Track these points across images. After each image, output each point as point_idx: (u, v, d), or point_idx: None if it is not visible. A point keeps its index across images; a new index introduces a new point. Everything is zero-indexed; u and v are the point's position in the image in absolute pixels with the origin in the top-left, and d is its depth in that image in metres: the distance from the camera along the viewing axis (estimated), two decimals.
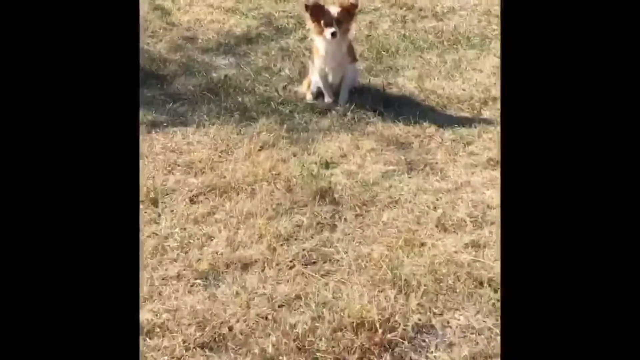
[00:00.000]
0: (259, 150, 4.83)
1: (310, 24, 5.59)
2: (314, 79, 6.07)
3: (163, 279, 3.45)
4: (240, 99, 5.70)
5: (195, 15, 7.47)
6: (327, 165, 4.65)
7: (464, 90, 5.78)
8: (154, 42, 6.87)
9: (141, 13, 6.25)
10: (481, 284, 3.32)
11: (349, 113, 5.45)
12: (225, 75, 6.16)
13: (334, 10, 5.68)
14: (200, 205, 4.12)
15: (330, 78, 5.98)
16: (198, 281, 3.44)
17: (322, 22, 5.37)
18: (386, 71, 6.41)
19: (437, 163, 4.66)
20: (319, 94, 6.07)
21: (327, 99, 6.04)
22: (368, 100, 5.84)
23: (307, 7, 5.75)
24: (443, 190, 4.25)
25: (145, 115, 5.19)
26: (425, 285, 3.28)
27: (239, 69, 6.27)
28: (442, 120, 5.24)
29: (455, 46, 6.64)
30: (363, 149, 4.88)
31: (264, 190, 4.27)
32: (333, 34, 5.56)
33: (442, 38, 6.87)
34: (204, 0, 7.77)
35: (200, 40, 6.91)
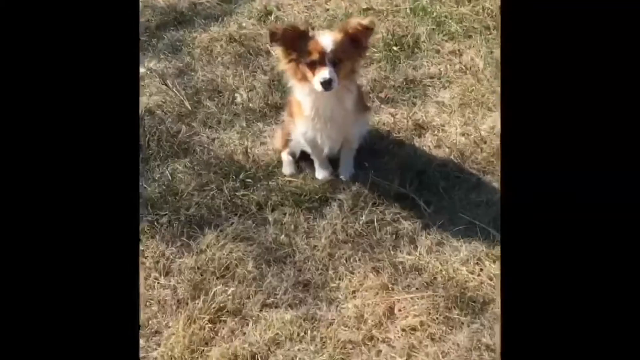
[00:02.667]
0: None
1: (283, 62, 3.42)
2: (294, 140, 3.63)
3: None
4: None
5: None
6: None
7: None
8: None
9: None
10: None
11: (361, 203, 3.60)
12: None
13: (328, 40, 3.26)
14: None
15: (325, 149, 3.48)
16: None
17: (306, 60, 3.27)
18: (407, 89, 4.39)
19: None
20: (303, 157, 3.87)
21: (321, 174, 3.53)
22: (391, 165, 3.83)
23: (274, 35, 3.32)
24: None
25: None
26: None
27: None
28: None
29: None
30: None
31: None
32: (326, 83, 3.23)
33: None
34: None
35: None
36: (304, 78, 3.34)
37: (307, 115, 3.50)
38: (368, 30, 3.29)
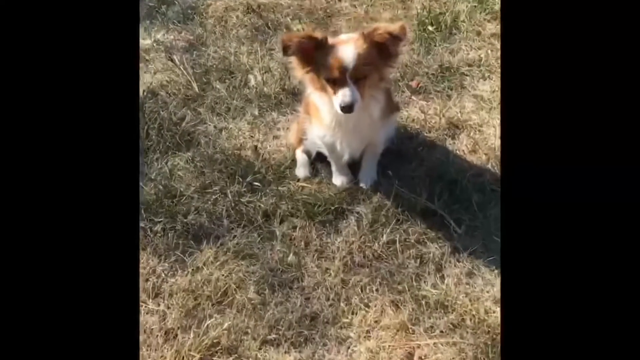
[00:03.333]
0: None
1: (300, 72, 2.92)
2: (309, 140, 3.22)
3: None
4: None
5: None
6: None
7: None
8: None
9: None
10: None
11: (382, 218, 3.16)
12: None
13: (349, 53, 2.74)
14: None
15: (345, 155, 3.03)
16: None
17: (325, 74, 2.79)
18: (442, 78, 3.89)
19: None
20: (320, 158, 3.42)
21: (339, 180, 3.10)
22: (419, 173, 3.38)
23: (287, 48, 2.80)
24: None
25: None
26: None
27: None
28: None
29: None
30: None
31: None
32: (347, 108, 2.76)
33: None
34: None
35: None
36: (324, 89, 2.86)
37: (326, 124, 3.02)
38: (397, 39, 2.76)
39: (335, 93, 2.76)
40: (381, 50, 2.77)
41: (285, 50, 2.78)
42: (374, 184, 3.28)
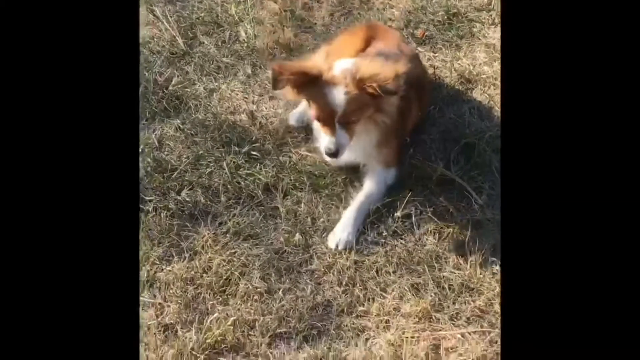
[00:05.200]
0: None
1: (291, 96, 2.82)
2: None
3: None
4: None
5: None
6: None
7: None
8: None
9: None
10: None
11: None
12: None
13: (340, 97, 2.59)
14: None
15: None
16: None
17: (314, 112, 2.68)
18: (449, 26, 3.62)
19: None
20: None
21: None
22: (434, 143, 3.13)
23: (278, 82, 2.67)
24: None
25: None
26: None
27: None
28: None
29: None
30: None
31: None
32: (332, 155, 2.68)
33: None
34: None
35: None
36: (317, 118, 2.73)
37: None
38: (389, 93, 2.58)
39: (323, 132, 2.65)
40: (373, 95, 2.58)
41: (275, 84, 2.64)
42: (343, 245, 2.72)
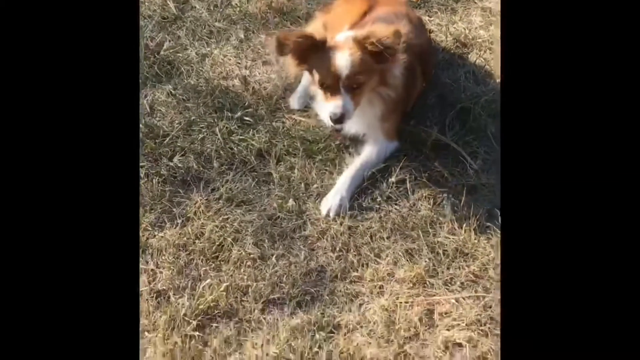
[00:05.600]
0: None
1: (294, 69, 2.78)
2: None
3: None
4: None
5: None
6: None
7: None
8: None
9: None
10: None
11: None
12: None
13: (344, 60, 2.58)
14: None
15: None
16: None
17: (319, 78, 2.63)
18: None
19: None
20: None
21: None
22: (429, 107, 3.05)
23: (283, 48, 2.64)
24: None
25: None
26: None
27: None
28: None
29: None
30: None
31: None
32: (337, 120, 2.63)
33: None
34: None
35: None
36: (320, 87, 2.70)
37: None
38: (391, 49, 2.54)
39: (327, 100, 2.60)
40: (376, 55, 2.56)
41: (281, 49, 2.61)
42: (334, 212, 2.69)
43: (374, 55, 2.54)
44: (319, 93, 2.71)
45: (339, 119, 2.58)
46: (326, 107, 2.63)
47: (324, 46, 2.57)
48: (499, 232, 2.57)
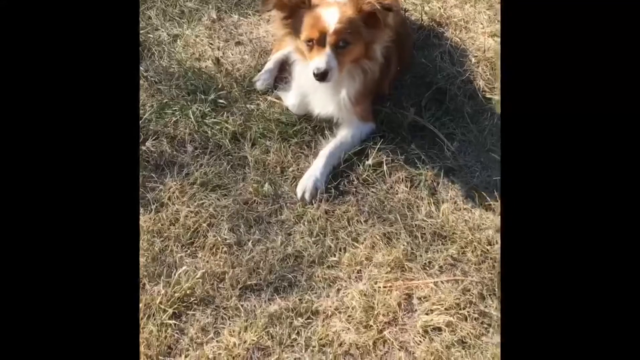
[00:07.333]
0: None
1: (280, 31, 2.74)
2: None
3: None
4: None
5: None
6: None
7: None
8: None
9: None
10: None
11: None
12: None
13: (333, 15, 2.55)
14: None
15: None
16: None
17: (304, 34, 2.58)
18: None
19: None
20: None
21: (290, 102, 2.92)
22: (405, 88, 3.03)
23: (269, 1, 2.63)
24: None
25: None
26: None
27: None
28: None
29: None
30: None
31: None
32: (320, 76, 2.55)
33: None
34: None
35: None
36: (302, 53, 2.64)
37: (296, 80, 2.83)
38: (388, 9, 2.52)
39: (311, 58, 2.54)
40: (369, 20, 2.53)
41: (266, 3, 2.55)
42: (309, 196, 2.66)
43: (365, 18, 2.51)
44: (304, 51, 2.63)
45: (323, 74, 2.51)
46: (310, 65, 2.56)
47: (311, 3, 2.56)
48: (474, 213, 2.56)
